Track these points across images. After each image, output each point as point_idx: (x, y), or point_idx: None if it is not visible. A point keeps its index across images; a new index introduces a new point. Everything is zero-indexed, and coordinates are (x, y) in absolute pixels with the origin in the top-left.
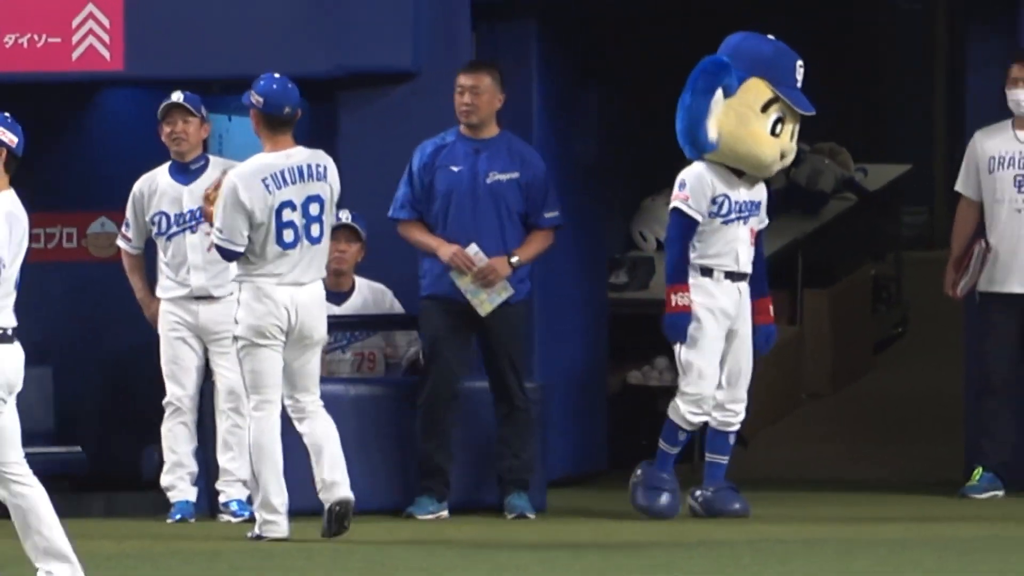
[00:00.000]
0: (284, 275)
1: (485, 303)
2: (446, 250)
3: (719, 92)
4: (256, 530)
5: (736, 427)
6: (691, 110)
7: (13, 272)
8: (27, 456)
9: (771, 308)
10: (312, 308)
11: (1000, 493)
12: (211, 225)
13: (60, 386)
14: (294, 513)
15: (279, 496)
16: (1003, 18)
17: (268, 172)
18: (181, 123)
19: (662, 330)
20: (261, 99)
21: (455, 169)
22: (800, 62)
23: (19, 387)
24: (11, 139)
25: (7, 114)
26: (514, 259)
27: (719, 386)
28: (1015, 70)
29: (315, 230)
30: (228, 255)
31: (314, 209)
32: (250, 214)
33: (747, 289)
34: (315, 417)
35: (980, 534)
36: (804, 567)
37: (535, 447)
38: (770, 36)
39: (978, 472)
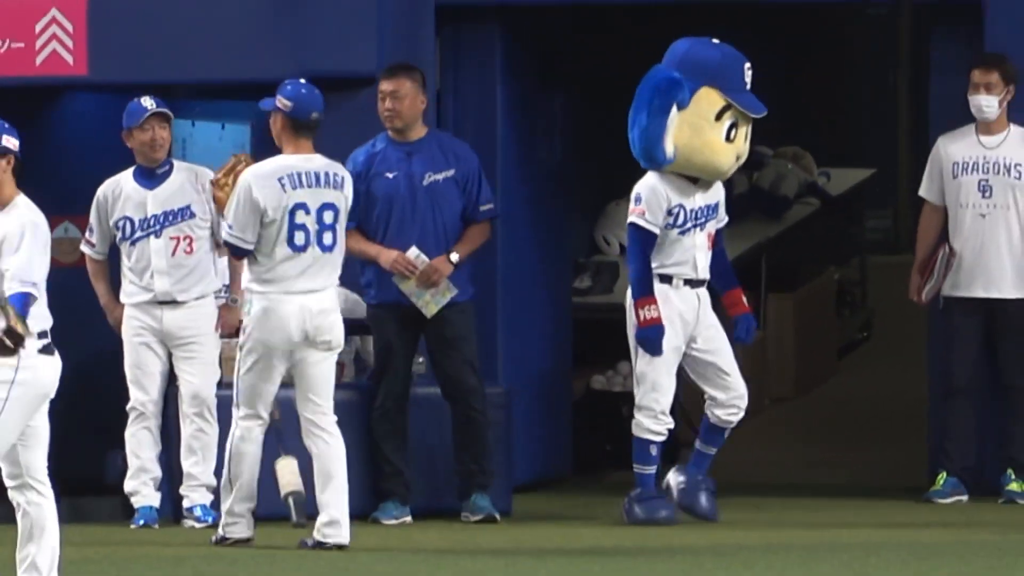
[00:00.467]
0: (294, 282)
1: (430, 304)
2: (386, 256)
3: (673, 108)
4: (220, 531)
5: (733, 424)
6: (648, 131)
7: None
8: None
9: (743, 298)
10: (327, 313)
11: (964, 498)
12: (220, 213)
13: None
14: (259, 519)
15: (249, 503)
16: (967, 23)
17: (285, 172)
18: (159, 130)
19: (637, 344)
20: (290, 103)
21: (390, 175)
22: (748, 64)
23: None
24: (15, 144)
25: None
26: (454, 256)
27: (717, 385)
28: (976, 75)
29: (327, 238)
30: (237, 252)
31: (328, 217)
32: (262, 212)
33: (706, 294)
34: (329, 441)
35: (944, 539)
36: (768, 572)
37: (499, 450)
38: (714, 40)
39: (942, 477)
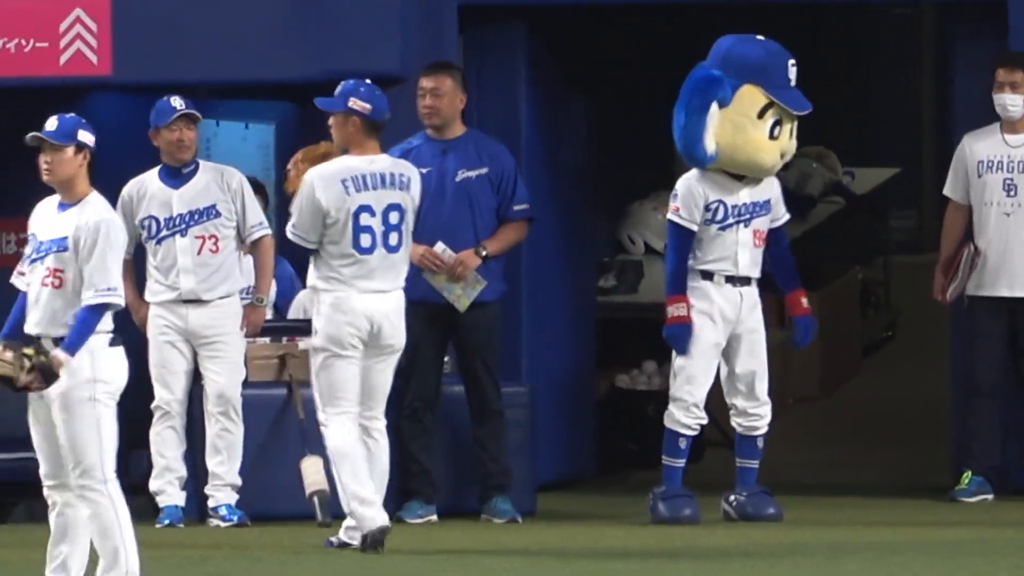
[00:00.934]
0: (362, 282)
1: (462, 297)
2: (413, 252)
3: (714, 106)
4: (341, 535)
5: (762, 430)
6: (687, 129)
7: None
8: (14, 461)
9: (804, 300)
10: (392, 316)
11: (989, 497)
12: (289, 197)
13: None
14: (285, 518)
15: (366, 489)
16: (991, 22)
17: (349, 174)
18: (186, 130)
19: (665, 341)
20: (368, 106)
21: (423, 170)
22: (792, 60)
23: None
24: (91, 139)
25: (78, 115)
26: (483, 251)
27: (738, 393)
28: (1001, 74)
29: (393, 238)
30: (303, 249)
31: (393, 217)
32: (325, 213)
33: (752, 293)
34: (372, 446)
35: (969, 538)
36: (792, 571)
37: (522, 449)
38: (759, 37)
39: (967, 476)
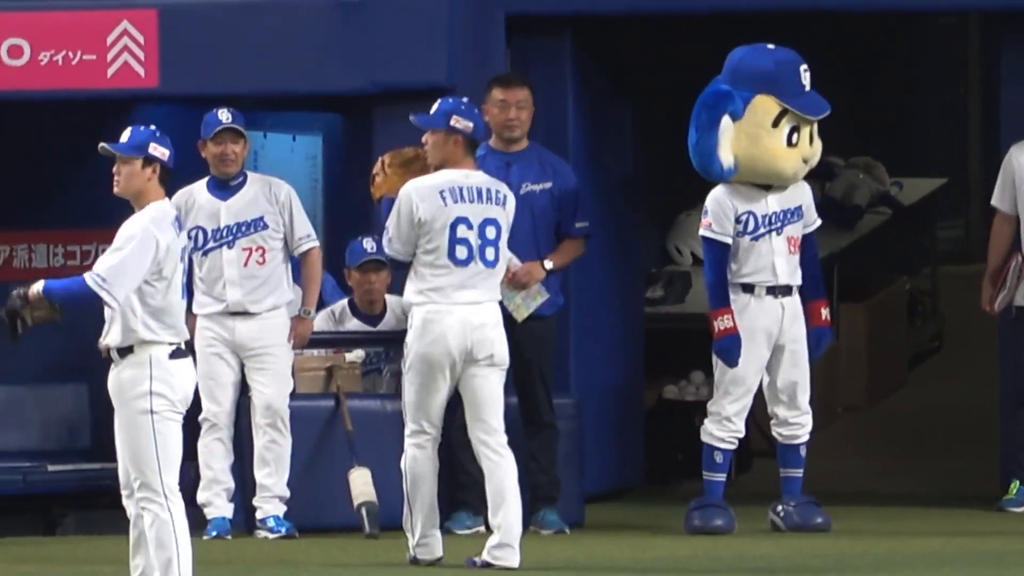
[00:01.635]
0: (457, 293)
1: (521, 308)
2: None
3: (726, 120)
4: (411, 552)
5: (804, 439)
6: (699, 146)
7: (168, 286)
8: (64, 473)
9: (823, 311)
10: (487, 329)
11: None
12: (376, 200)
13: (96, 402)
14: (332, 529)
15: (433, 524)
16: None
17: (447, 186)
18: (231, 144)
19: (714, 355)
20: (471, 124)
21: None
22: (804, 66)
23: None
24: (163, 152)
25: (154, 128)
26: (548, 264)
27: (780, 403)
28: None
29: (490, 253)
30: (396, 264)
31: (490, 232)
32: (421, 224)
33: (794, 303)
34: (498, 461)
35: (1017, 547)
36: None
37: (570, 460)
38: (769, 45)
39: (1015, 486)
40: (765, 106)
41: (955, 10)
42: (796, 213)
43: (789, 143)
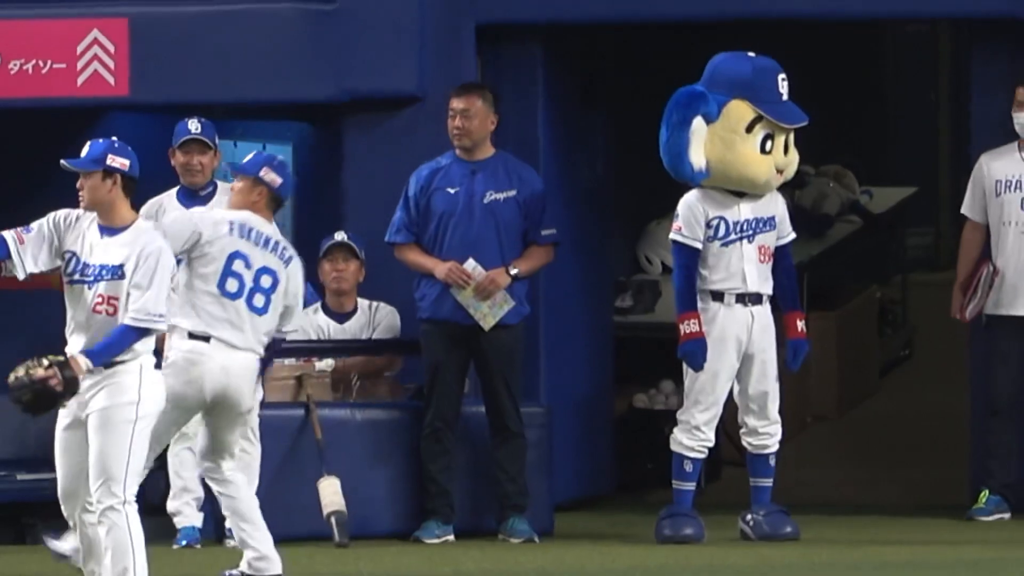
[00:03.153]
0: (219, 328)
1: (488, 316)
2: (442, 267)
3: (698, 121)
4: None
5: (773, 448)
6: (669, 145)
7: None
8: (34, 482)
9: (799, 323)
10: (239, 377)
11: (1007, 516)
12: None
13: None
14: (302, 538)
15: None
16: (1007, 41)
17: (238, 220)
18: (198, 156)
19: (680, 359)
20: (279, 181)
21: (451, 191)
22: (782, 75)
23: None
24: (122, 163)
25: (113, 139)
26: (513, 270)
27: (749, 412)
28: (1021, 93)
29: (259, 300)
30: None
31: (265, 281)
32: (199, 235)
33: (764, 311)
34: (227, 483)
35: (986, 556)
36: None
37: (540, 469)
38: (750, 53)
39: (984, 495)
40: (740, 111)
41: (925, 17)
42: (769, 223)
43: (763, 150)
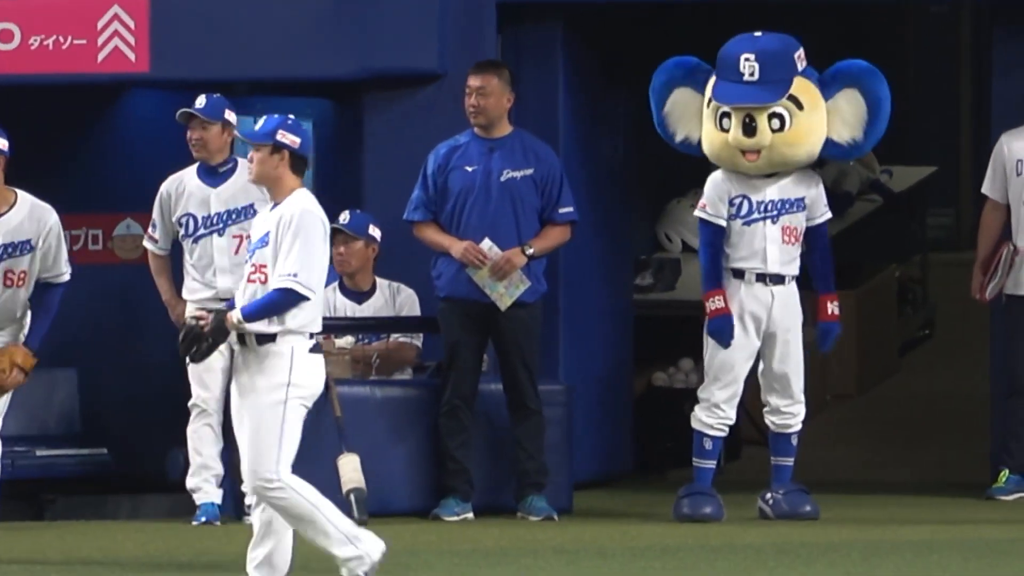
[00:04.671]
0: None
1: (504, 296)
2: (458, 247)
3: (682, 91)
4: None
5: (796, 428)
6: (653, 108)
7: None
8: (53, 458)
9: (830, 305)
10: None
11: None
12: None
13: (85, 388)
14: None
15: None
16: None
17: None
18: (200, 131)
19: (704, 340)
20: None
21: (469, 169)
22: (746, 55)
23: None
24: (293, 140)
25: (291, 117)
26: (529, 250)
27: (773, 391)
28: None
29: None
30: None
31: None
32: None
33: (786, 291)
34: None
35: (1007, 536)
36: (829, 570)
37: (559, 448)
38: (756, 33)
39: (1004, 474)
40: (710, 87)
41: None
42: (797, 204)
43: (721, 128)
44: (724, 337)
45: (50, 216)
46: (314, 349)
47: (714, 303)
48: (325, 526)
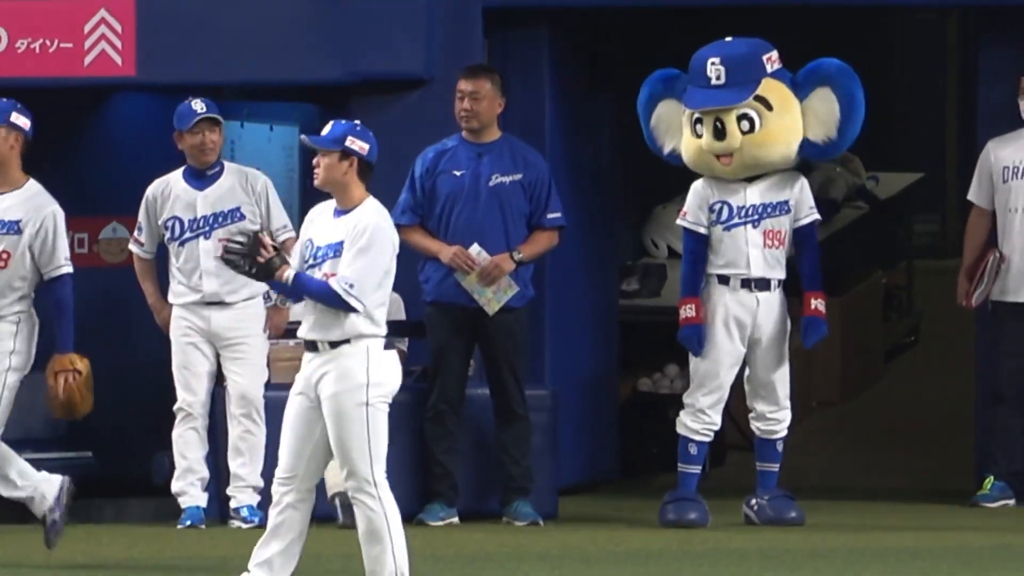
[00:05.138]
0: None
1: (492, 301)
2: (447, 252)
3: (667, 103)
4: None
5: (781, 434)
6: (641, 119)
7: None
8: (39, 461)
9: (813, 301)
10: None
11: (1011, 502)
12: None
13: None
14: None
15: None
16: (1015, 28)
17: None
18: (208, 133)
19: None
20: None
21: (457, 173)
22: (712, 60)
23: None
24: (361, 146)
25: (356, 122)
26: (518, 255)
27: (758, 397)
28: None
29: None
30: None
31: None
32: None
33: (771, 297)
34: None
35: (991, 543)
36: (813, 575)
37: (545, 452)
38: (727, 39)
39: (989, 481)
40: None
41: (935, 6)
42: (780, 208)
43: (695, 135)
44: (693, 346)
45: (49, 205)
46: (387, 347)
47: (687, 311)
48: (386, 555)
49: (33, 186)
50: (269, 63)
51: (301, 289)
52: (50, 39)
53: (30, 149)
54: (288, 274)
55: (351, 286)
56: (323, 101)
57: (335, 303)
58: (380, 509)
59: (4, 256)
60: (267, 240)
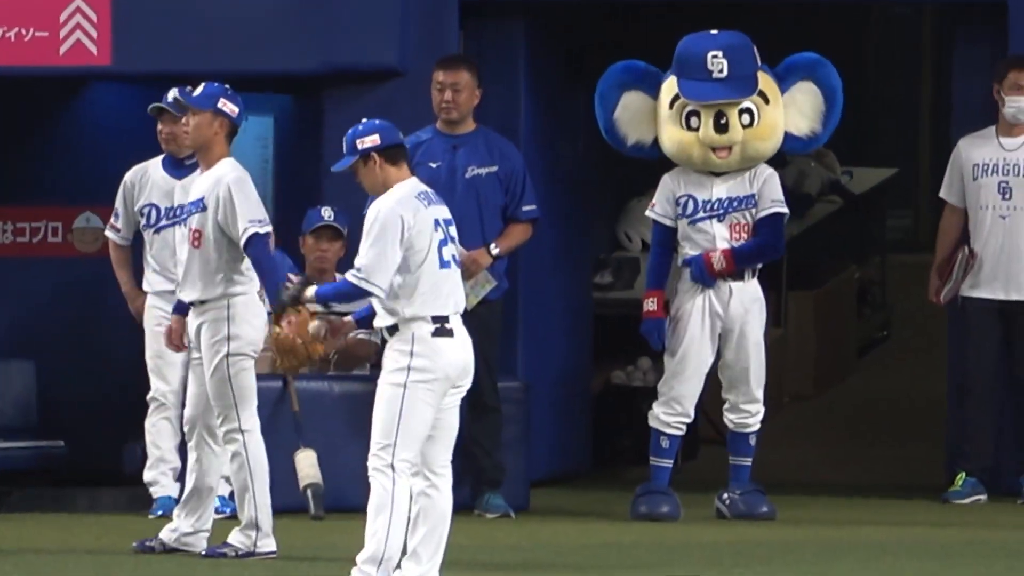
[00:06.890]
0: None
1: (469, 296)
2: None
3: (632, 95)
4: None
5: (753, 428)
6: (599, 114)
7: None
8: (9, 450)
9: (717, 256)
10: None
11: (983, 498)
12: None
13: (43, 380)
14: (278, 511)
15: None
16: (991, 24)
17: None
18: (171, 125)
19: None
20: (237, 109)
21: (433, 165)
22: (713, 52)
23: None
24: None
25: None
26: (495, 250)
27: (731, 388)
28: (1016, 76)
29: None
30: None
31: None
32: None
33: (744, 288)
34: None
35: (962, 539)
36: (784, 570)
37: (517, 445)
38: (713, 31)
39: (961, 477)
40: (669, 88)
41: (909, 2)
42: (746, 202)
43: (688, 127)
44: (653, 340)
45: (218, 174)
46: (439, 332)
47: (649, 304)
48: (383, 533)
49: (223, 164)
50: (243, 53)
51: (326, 298)
52: (25, 28)
53: (6, 138)
54: (309, 292)
55: (359, 270)
56: (297, 92)
57: (355, 293)
58: (389, 489)
59: (197, 235)
60: (290, 279)
